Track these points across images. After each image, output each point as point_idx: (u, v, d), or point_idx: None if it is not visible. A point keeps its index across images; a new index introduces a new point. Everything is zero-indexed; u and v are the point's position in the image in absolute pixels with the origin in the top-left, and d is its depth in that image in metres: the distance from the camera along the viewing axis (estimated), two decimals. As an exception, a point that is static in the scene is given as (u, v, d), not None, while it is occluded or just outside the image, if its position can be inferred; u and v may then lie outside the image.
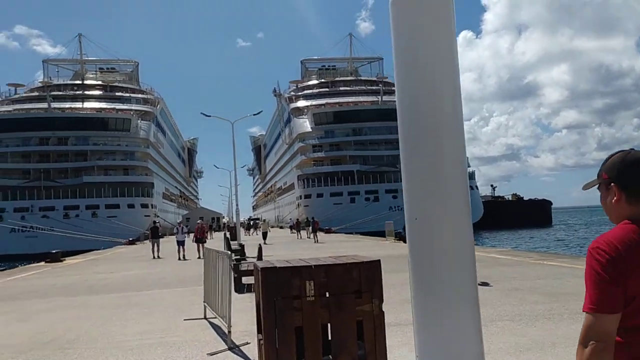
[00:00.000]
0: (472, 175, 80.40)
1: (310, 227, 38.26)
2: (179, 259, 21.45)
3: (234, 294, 8.26)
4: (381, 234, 44.64)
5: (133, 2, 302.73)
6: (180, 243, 22.57)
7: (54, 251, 24.89)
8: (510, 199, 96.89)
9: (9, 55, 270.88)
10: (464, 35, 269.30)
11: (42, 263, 24.11)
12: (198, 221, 24.34)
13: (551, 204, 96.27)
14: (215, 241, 37.07)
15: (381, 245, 24.71)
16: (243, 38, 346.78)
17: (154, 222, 27.10)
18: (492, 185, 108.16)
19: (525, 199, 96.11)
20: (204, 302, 7.92)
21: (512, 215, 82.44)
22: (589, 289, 1.60)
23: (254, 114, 31.22)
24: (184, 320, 7.80)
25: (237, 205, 25.85)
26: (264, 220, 53.41)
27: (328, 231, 49.64)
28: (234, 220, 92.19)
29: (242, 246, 18.97)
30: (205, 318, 7.77)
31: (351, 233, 48.25)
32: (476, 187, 79.64)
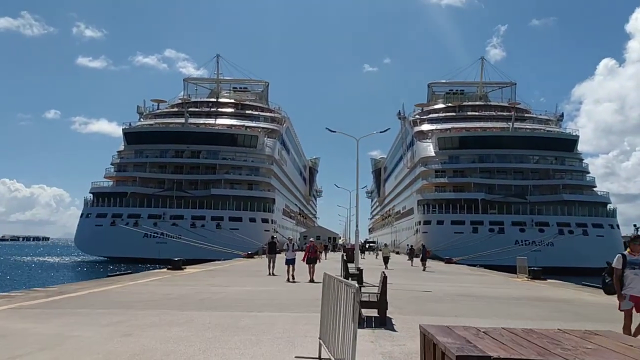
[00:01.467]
0: (612, 213, 72.71)
1: (421, 255, 36.49)
2: (287, 280, 19.66)
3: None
4: (508, 269, 41.38)
5: (269, 24, 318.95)
6: (289, 262, 20.54)
7: (177, 259, 25.43)
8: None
9: (158, 76, 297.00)
10: (605, 64, 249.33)
11: (165, 270, 24.71)
12: (310, 239, 22.14)
13: None
14: (330, 262, 36.30)
15: (512, 283, 22.21)
16: (370, 63, 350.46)
17: (272, 237, 26.52)
18: (635, 225, 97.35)
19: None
20: (320, 338, 6.78)
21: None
22: None
23: (381, 132, 30.23)
24: (295, 358, 6.70)
25: (357, 226, 24.48)
26: (386, 245, 51.82)
27: (449, 261, 46.91)
28: (351, 241, 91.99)
29: (360, 271, 17.80)
30: (319, 358, 6.60)
31: (473, 265, 45.08)
32: (617, 226, 71.80)
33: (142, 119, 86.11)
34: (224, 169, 76.65)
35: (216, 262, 36.24)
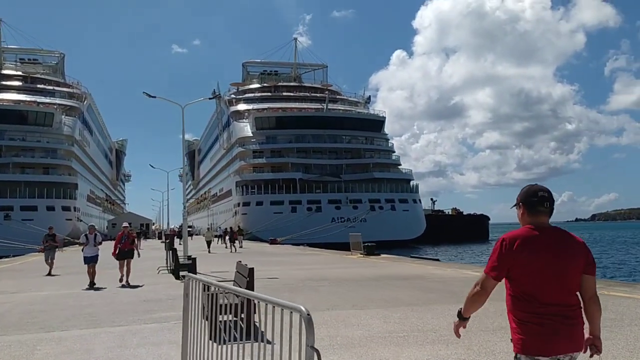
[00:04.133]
0: (416, 189, 78.97)
1: (228, 236, 37.96)
2: (89, 286, 13.63)
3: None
4: (332, 246, 41.54)
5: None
6: (90, 260, 14.15)
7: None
8: (450, 213, 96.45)
9: None
10: (398, 55, 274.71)
11: None
12: (124, 224, 15.49)
13: (489, 219, 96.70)
14: (149, 251, 32.51)
15: (353, 261, 21.29)
16: (179, 44, 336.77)
17: (50, 228, 20.28)
18: (432, 199, 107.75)
19: (464, 213, 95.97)
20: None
21: (452, 230, 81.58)
22: (490, 260, 2.79)
23: (210, 98, 27.13)
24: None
25: (185, 206, 20.92)
26: (209, 229, 48.87)
27: (273, 242, 45.80)
28: (172, 226, 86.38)
29: (193, 260, 15.08)
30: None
31: (298, 244, 44.60)
32: (419, 200, 78.19)
33: None
34: (11, 152, 65.98)
35: (3, 259, 29.98)
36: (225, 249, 36.15)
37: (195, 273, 15.16)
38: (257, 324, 3.55)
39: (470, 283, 9.31)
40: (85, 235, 14.69)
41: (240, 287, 7.20)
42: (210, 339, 4.50)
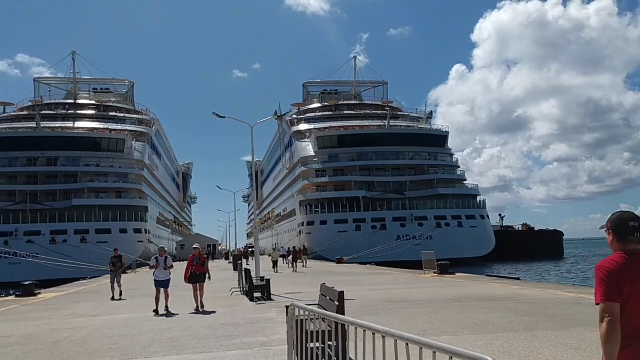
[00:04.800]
0: (483, 204, 76.47)
1: (291, 256, 38.18)
2: (156, 311, 12.87)
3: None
4: (400, 264, 40.51)
5: (131, 22, 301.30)
6: (161, 284, 13.38)
7: (28, 282, 20.51)
8: (520, 229, 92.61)
9: (9, 83, 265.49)
10: (457, 69, 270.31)
11: (12, 297, 19.77)
12: (194, 246, 14.71)
13: (563, 235, 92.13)
14: (217, 272, 32.73)
15: (427, 280, 20.40)
16: (240, 69, 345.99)
17: (115, 249, 19.86)
18: (500, 215, 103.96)
19: (536, 229, 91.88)
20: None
21: (523, 246, 78.16)
22: (597, 288, 2.79)
23: (277, 117, 27.16)
24: None
25: (256, 226, 20.58)
26: (274, 249, 48.96)
27: (340, 261, 45.20)
28: (230, 246, 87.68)
29: (267, 281, 14.78)
30: None
31: (365, 263, 43.78)
32: (487, 216, 75.58)
33: (-16, 125, 75.14)
34: (87, 177, 68.97)
35: (82, 281, 30.98)
36: (288, 269, 36.01)
37: (270, 295, 14.86)
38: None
39: (566, 305, 8.41)
40: (156, 257, 13.83)
41: (326, 311, 6.73)
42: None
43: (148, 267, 13.96)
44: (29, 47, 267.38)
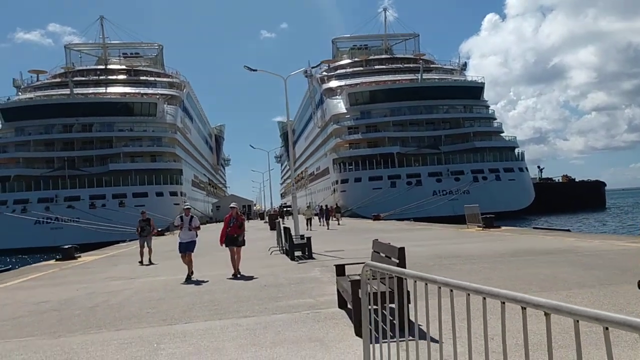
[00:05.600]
0: (522, 156, 74.30)
1: (325, 214, 38.67)
2: (187, 279, 11.64)
3: None
4: (438, 219, 39.72)
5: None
6: (185, 247, 12.22)
7: (67, 246, 20.52)
8: (560, 180, 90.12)
9: (42, 52, 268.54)
10: (489, 19, 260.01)
11: (52, 262, 19.81)
12: (231, 204, 12.70)
13: (605, 185, 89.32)
14: (254, 232, 32.56)
15: (473, 235, 19.54)
16: (267, 29, 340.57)
17: (142, 212, 18.46)
18: (539, 167, 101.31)
19: (576, 180, 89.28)
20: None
21: (563, 198, 76.09)
22: None
23: (313, 67, 26.20)
24: None
25: (293, 183, 19.59)
26: (308, 206, 48.68)
27: (377, 218, 44.59)
28: (271, 206, 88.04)
29: (307, 239, 14.21)
30: None
31: (402, 219, 43.12)
32: (526, 168, 73.49)
33: (20, 93, 76.13)
34: (121, 142, 69.59)
35: (121, 244, 31.22)
36: (320, 226, 35.78)
37: (311, 253, 14.30)
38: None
39: (636, 256, 7.49)
40: (180, 217, 12.44)
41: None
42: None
43: (171, 228, 13.23)
44: (60, 16, 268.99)
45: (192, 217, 12.47)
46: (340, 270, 6.82)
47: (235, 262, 12.02)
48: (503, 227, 21.72)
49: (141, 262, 16.41)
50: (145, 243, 16.97)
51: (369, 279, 5.51)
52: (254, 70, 20.67)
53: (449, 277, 8.43)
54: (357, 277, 5.68)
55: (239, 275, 11.70)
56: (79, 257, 20.48)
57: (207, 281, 11.14)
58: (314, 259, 14.04)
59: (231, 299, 8.50)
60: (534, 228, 22.91)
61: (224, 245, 12.31)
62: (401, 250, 5.44)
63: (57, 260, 19.67)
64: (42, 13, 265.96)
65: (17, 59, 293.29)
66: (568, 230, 20.83)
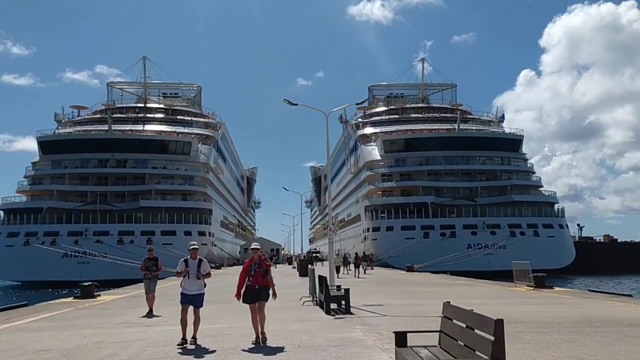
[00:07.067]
0: (562, 213, 71.40)
1: (354, 262, 38.99)
2: (182, 341, 8.82)
3: None
4: (473, 274, 37.50)
5: (199, 35, 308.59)
6: (188, 299, 9.20)
7: (87, 283, 19.43)
8: (601, 240, 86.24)
9: (89, 93, 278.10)
10: (525, 75, 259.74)
11: (71, 299, 18.70)
12: (253, 245, 9.54)
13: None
14: (282, 277, 31.04)
15: (527, 296, 17.60)
16: (304, 77, 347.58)
17: (149, 248, 15.82)
18: (579, 225, 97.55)
19: (619, 240, 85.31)
20: None
21: (605, 259, 72.43)
22: None
23: (357, 104, 25.26)
24: None
25: (331, 226, 17.60)
26: (337, 254, 47.12)
27: (410, 269, 42.60)
28: (294, 251, 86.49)
29: (346, 291, 12.73)
30: None
31: (436, 272, 40.98)
32: (566, 225, 70.50)
33: (60, 127, 77.61)
34: (154, 179, 69.61)
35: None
36: (346, 275, 35.02)
37: (349, 307, 12.76)
38: None
39: None
40: (185, 260, 9.31)
41: (466, 346, 4.56)
42: None
43: (176, 275, 9.49)
44: (106, 58, 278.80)
45: (200, 260, 9.34)
46: (401, 339, 5.34)
47: (257, 323, 8.98)
48: (556, 288, 19.78)
49: (150, 312, 13.60)
50: (150, 287, 14.18)
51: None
52: (294, 104, 19.73)
53: (523, 350, 6.86)
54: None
55: (262, 344, 8.79)
56: (99, 295, 19.35)
57: (210, 350, 8.25)
58: (352, 314, 12.44)
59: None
60: (590, 290, 20.83)
61: (241, 300, 9.15)
62: (499, 324, 3.99)
63: (75, 298, 18.56)
64: (90, 55, 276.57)
65: (64, 97, 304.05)
66: (630, 296, 18.79)
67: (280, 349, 8.23)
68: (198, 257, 9.34)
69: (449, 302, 5.44)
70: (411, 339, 5.46)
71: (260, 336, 8.95)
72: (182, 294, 9.22)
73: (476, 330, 4.48)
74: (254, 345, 8.61)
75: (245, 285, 9.04)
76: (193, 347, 8.53)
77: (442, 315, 5.38)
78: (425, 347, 5.19)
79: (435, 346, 5.18)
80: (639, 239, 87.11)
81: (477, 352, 4.28)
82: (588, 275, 59.64)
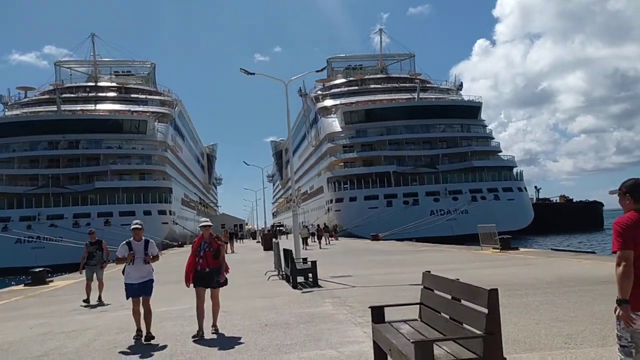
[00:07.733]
0: (520, 176, 72.74)
1: (316, 234, 39.45)
2: (136, 334, 7.47)
3: None
4: (438, 239, 37.79)
5: (155, 10, 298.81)
6: (135, 291, 7.58)
7: (38, 269, 18.33)
8: (557, 201, 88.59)
9: (37, 74, 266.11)
10: (480, 44, 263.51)
11: (21, 287, 17.62)
12: (202, 221, 8.11)
13: (602, 205, 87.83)
14: (246, 252, 30.40)
15: (494, 259, 17.49)
16: (261, 52, 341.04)
17: (90, 232, 13.78)
18: (536, 187, 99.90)
19: (574, 200, 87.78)
20: None
21: (561, 219, 74.46)
22: (615, 239, 3.37)
23: (317, 71, 24.34)
24: None
25: (295, 199, 16.64)
26: (305, 226, 46.81)
27: (375, 238, 42.55)
28: (265, 225, 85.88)
29: (312, 263, 12.20)
30: None
31: (401, 240, 41.05)
32: (525, 188, 71.92)
33: (7, 110, 73.98)
34: (109, 159, 67.29)
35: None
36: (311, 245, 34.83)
37: (317, 280, 12.26)
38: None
39: None
40: (127, 242, 7.77)
41: (452, 319, 4.05)
42: None
43: (115, 262, 7.88)
44: (55, 38, 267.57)
45: (147, 241, 7.85)
46: (378, 315, 4.76)
47: (202, 313, 7.60)
48: (521, 249, 19.81)
49: (87, 301, 11.81)
50: (95, 275, 12.36)
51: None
52: (251, 73, 18.71)
53: (510, 314, 6.44)
54: (422, 337, 3.73)
55: (213, 332, 7.59)
56: (51, 281, 18.30)
57: (162, 346, 6.97)
58: (320, 287, 11.92)
59: (224, 345, 6.44)
60: (552, 249, 20.97)
61: (190, 285, 7.74)
62: (493, 294, 3.46)
63: (25, 285, 17.49)
64: (38, 36, 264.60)
65: (11, 80, 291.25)
66: (593, 253, 18.96)
67: (245, 329, 7.63)
68: (143, 237, 7.86)
69: (429, 271, 4.91)
70: (388, 313, 4.93)
71: (204, 331, 7.48)
72: (127, 285, 7.59)
73: (463, 302, 3.97)
74: (197, 337, 7.30)
75: (194, 267, 7.63)
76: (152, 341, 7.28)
77: (422, 286, 4.85)
78: (405, 321, 4.66)
79: (416, 320, 4.66)
80: (592, 199, 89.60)
81: (465, 325, 3.78)
82: (546, 235, 61.13)
